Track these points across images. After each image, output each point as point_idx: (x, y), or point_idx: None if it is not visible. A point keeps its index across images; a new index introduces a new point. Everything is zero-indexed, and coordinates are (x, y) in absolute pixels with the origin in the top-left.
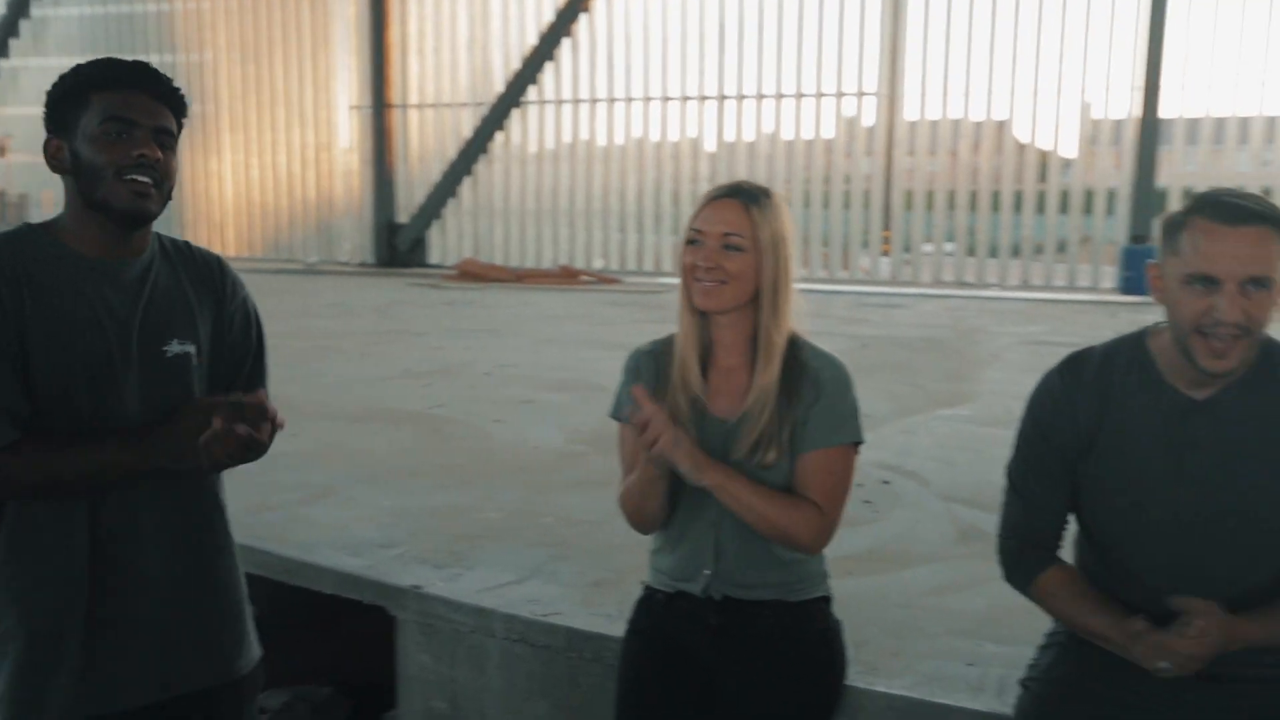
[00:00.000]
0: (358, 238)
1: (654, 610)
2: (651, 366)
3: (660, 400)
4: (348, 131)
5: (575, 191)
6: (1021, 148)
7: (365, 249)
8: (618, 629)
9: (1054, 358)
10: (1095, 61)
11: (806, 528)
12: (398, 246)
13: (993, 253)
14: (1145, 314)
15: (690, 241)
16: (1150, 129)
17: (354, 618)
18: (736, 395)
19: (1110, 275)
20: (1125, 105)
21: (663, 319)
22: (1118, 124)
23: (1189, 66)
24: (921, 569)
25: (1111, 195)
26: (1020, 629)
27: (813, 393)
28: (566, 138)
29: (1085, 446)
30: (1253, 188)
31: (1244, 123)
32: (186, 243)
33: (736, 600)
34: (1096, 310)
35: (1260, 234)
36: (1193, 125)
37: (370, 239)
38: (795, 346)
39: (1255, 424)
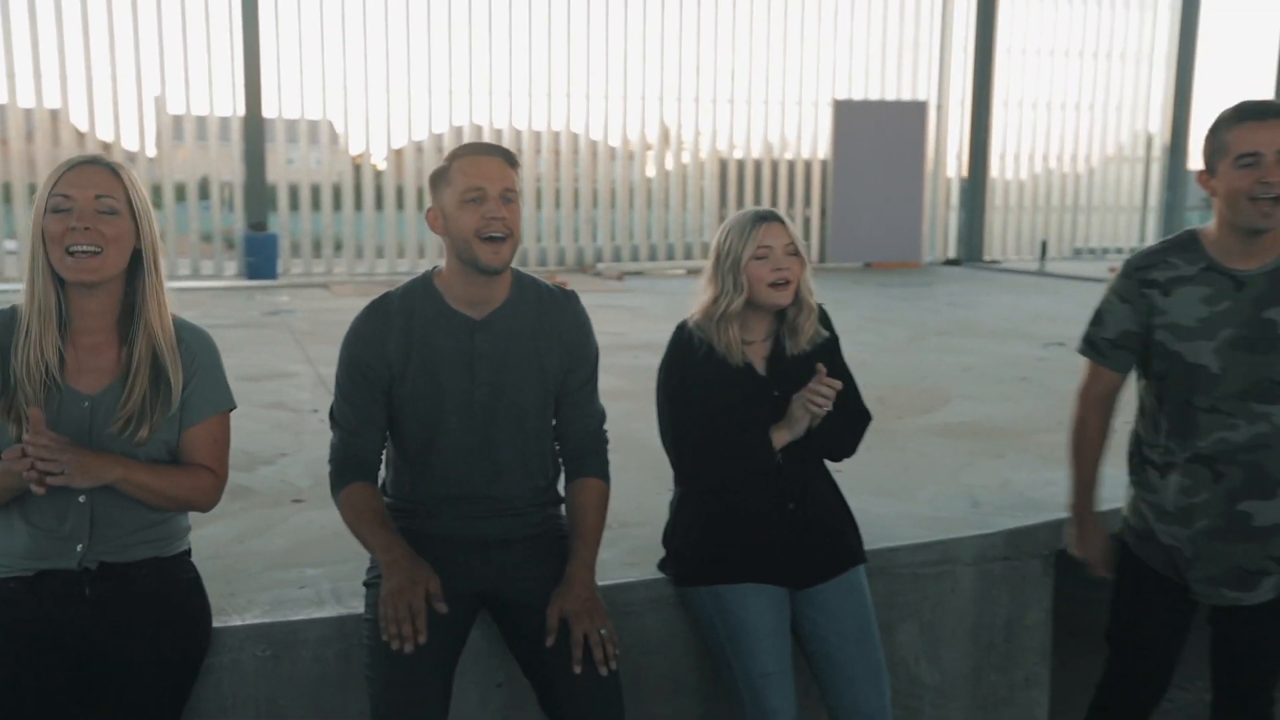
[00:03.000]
0: None
1: (11, 599)
2: None
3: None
4: None
5: None
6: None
7: None
8: None
9: (221, 339)
10: (197, 61)
11: (205, 493)
12: None
13: None
14: (275, 294)
15: (56, 210)
16: (255, 127)
17: None
18: (102, 371)
19: (232, 264)
20: (230, 103)
21: None
22: (224, 121)
23: (282, 71)
24: (213, 527)
25: (228, 188)
26: (322, 553)
27: (190, 370)
28: None
29: (398, 375)
30: (304, 182)
31: (314, 125)
32: None
33: (112, 564)
34: (233, 294)
35: (503, 163)
36: (291, 125)
37: None
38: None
39: (518, 336)
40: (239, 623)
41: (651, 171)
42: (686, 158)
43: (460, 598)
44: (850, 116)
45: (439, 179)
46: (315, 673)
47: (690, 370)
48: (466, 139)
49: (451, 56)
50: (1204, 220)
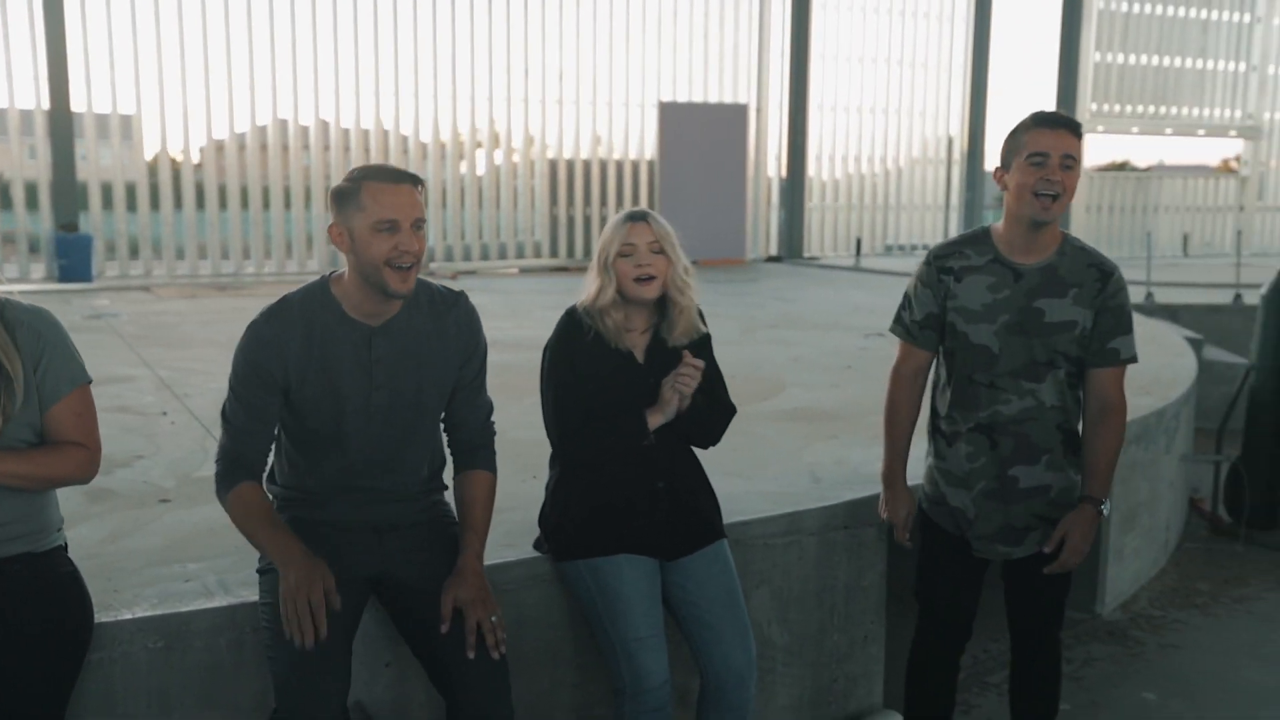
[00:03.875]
0: None
1: None
2: None
3: None
4: None
5: None
6: None
7: None
8: None
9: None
10: None
11: (79, 468)
12: None
13: None
14: (93, 297)
15: None
16: (63, 122)
17: None
18: None
19: (40, 267)
20: (33, 97)
21: None
22: (25, 115)
23: (91, 63)
24: (81, 528)
25: (31, 188)
26: (201, 549)
27: (37, 349)
28: None
29: (296, 380)
30: (118, 180)
31: (126, 120)
32: None
33: None
34: (46, 298)
35: (413, 190)
36: (102, 120)
37: None
38: None
39: (414, 340)
40: (129, 616)
41: (481, 171)
42: (517, 158)
43: (353, 581)
44: (675, 118)
45: (345, 199)
46: (207, 662)
47: (578, 352)
48: (292, 136)
49: (274, 49)
50: (997, 218)
